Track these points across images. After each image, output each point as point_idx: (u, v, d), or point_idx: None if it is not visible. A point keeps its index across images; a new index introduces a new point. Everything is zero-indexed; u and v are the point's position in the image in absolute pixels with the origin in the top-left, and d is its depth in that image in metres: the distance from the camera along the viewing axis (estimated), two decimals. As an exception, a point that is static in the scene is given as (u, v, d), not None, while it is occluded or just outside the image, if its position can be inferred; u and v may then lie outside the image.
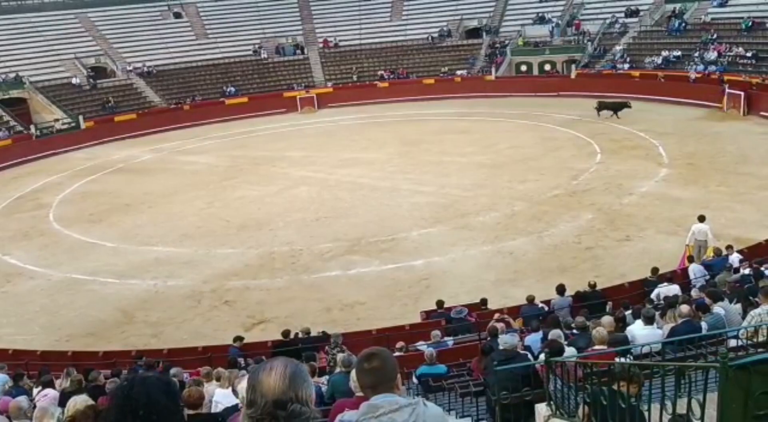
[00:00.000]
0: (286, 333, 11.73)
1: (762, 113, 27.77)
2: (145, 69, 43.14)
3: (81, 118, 37.48)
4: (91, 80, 41.55)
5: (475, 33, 46.39)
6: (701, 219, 15.02)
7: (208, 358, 11.44)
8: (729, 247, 13.48)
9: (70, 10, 45.76)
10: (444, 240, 18.15)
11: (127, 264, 18.38)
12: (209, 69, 44.43)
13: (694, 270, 12.87)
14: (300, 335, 11.76)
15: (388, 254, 17.56)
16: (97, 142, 36.24)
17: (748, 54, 33.00)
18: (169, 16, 48.48)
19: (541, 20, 44.08)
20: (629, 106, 30.39)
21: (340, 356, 8.63)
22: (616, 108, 30.61)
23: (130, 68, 43.20)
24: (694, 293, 10.36)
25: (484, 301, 12.87)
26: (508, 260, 16.45)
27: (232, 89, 42.93)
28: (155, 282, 17.07)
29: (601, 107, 31.04)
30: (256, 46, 46.37)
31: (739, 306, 8.78)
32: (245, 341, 11.92)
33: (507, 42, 43.84)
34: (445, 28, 46.29)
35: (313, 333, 11.92)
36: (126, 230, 21.38)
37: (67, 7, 45.95)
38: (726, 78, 31.91)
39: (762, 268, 11.68)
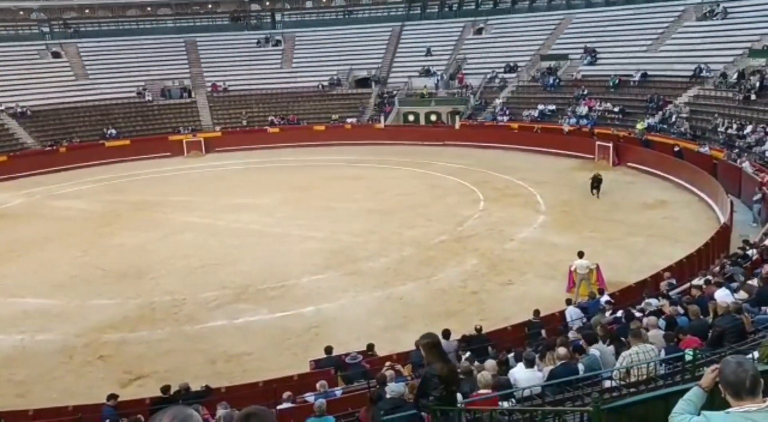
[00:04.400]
0: (165, 389, 11.10)
1: (629, 164, 29.96)
2: (19, 109, 40.72)
3: (-58, 159, 34.70)
4: (-45, 119, 38.72)
5: (364, 82, 47.51)
6: (580, 255, 16.10)
7: (79, 419, 10.61)
8: (600, 290, 14.30)
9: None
10: (334, 286, 18.05)
11: (-10, 318, 16.91)
12: (89, 110, 42.59)
13: (571, 312, 13.49)
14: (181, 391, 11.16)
15: (277, 301, 17.22)
16: (-40, 185, 33.54)
17: (616, 109, 35.76)
18: (47, 55, 46.34)
19: (426, 73, 45.87)
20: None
21: (220, 412, 8.25)
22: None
23: (2, 108, 40.63)
24: (571, 335, 10.81)
25: (370, 347, 12.82)
26: (397, 305, 16.56)
27: (113, 131, 41.30)
28: (23, 337, 15.77)
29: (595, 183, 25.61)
30: (140, 88, 45.05)
31: (612, 347, 9.24)
32: (120, 399, 11.16)
33: (395, 92, 45.20)
34: (335, 77, 47.10)
35: (196, 388, 11.36)
36: (-10, 280, 19.73)
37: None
38: (596, 131, 34.36)
39: (633, 310, 12.41)
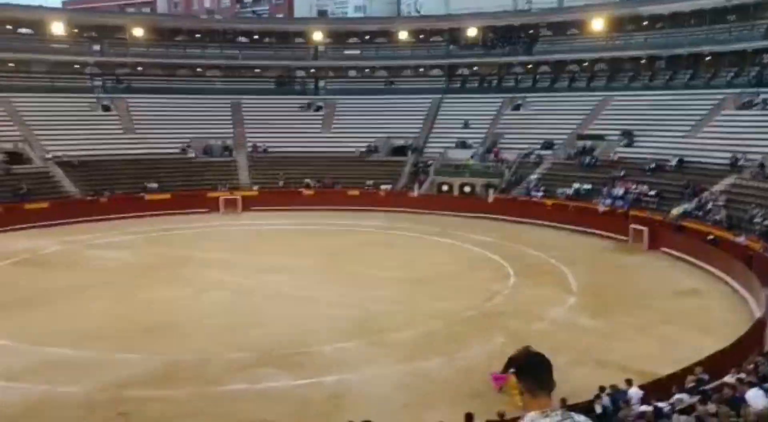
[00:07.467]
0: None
1: (663, 249, 29.53)
2: (66, 158, 42.18)
3: (-12, 202, 35.82)
4: (4, 165, 40.17)
5: (401, 151, 48.26)
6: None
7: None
8: (628, 381, 13.90)
9: (-7, 94, 44.84)
10: (358, 356, 17.93)
11: (17, 366, 17.08)
12: (132, 163, 43.79)
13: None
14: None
15: (299, 368, 17.13)
16: (2, 230, 34.41)
17: (652, 192, 35.52)
18: (98, 108, 48.24)
19: (462, 145, 46.49)
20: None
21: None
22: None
23: (50, 156, 42.15)
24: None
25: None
26: (421, 381, 16.33)
27: (154, 185, 42.35)
28: (45, 388, 15.88)
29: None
30: (185, 144, 46.44)
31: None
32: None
33: (430, 162, 45.76)
34: (372, 144, 47.99)
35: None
36: (19, 327, 19.97)
37: (-11, 90, 45.05)
38: (631, 213, 34.10)
39: (661, 405, 12.06)
